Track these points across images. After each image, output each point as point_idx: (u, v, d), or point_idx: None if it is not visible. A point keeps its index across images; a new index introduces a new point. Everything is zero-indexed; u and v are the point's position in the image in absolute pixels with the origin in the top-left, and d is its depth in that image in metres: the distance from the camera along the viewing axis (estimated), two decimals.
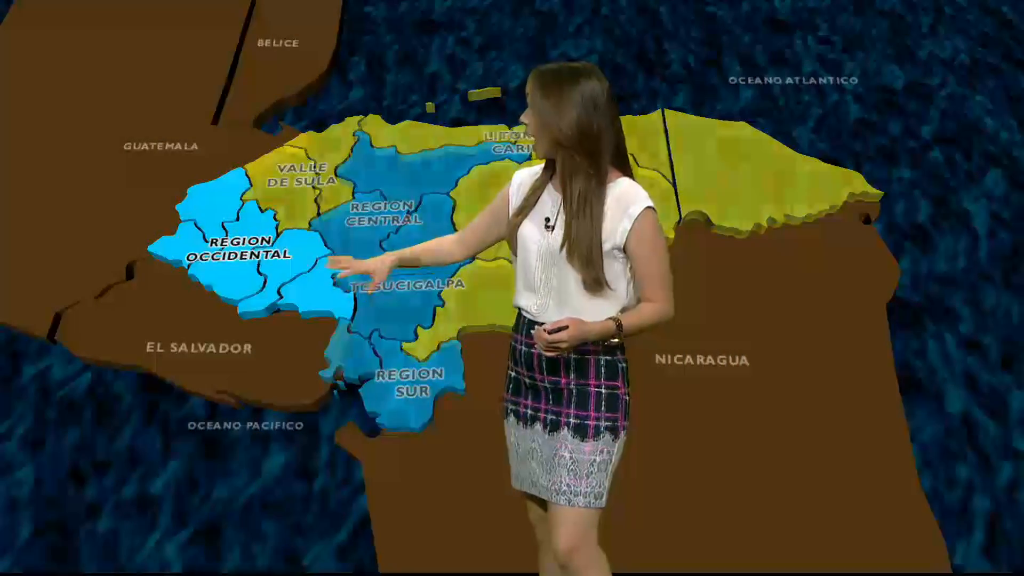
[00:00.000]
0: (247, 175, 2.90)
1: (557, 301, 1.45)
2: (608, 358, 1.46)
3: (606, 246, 1.41)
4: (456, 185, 2.88)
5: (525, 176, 1.50)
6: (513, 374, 1.53)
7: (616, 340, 1.43)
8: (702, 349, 2.38)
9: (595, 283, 1.41)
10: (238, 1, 3.50)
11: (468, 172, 2.92)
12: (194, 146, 2.96)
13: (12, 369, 2.43)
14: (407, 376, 2.37)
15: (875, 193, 2.86)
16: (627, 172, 1.46)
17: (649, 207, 1.42)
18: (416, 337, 2.48)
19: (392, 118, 3.11)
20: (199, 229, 2.75)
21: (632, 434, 1.54)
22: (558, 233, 1.43)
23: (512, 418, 1.54)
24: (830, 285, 2.56)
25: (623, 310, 1.46)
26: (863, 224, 2.78)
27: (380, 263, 1.54)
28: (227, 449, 2.25)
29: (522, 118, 1.44)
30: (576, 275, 1.42)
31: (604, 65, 3.33)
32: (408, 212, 2.78)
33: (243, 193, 2.85)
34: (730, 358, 2.38)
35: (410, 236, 2.76)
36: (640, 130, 3.00)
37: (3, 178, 2.90)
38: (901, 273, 2.65)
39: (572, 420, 1.45)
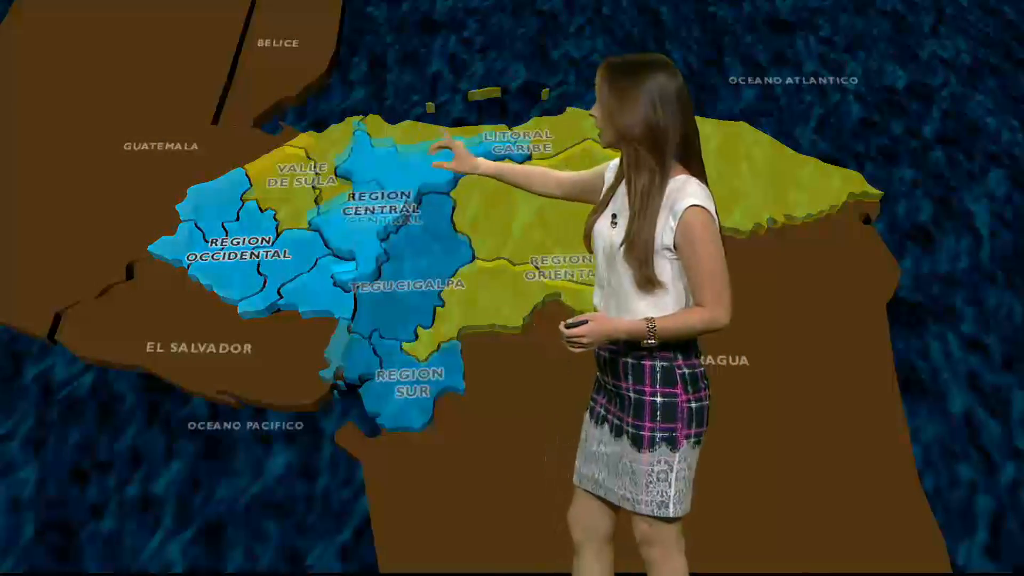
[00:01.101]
0: (247, 175, 2.92)
1: (616, 299, 1.45)
2: (664, 364, 1.43)
3: (655, 244, 1.40)
4: (456, 185, 2.91)
5: (615, 167, 1.51)
6: (597, 372, 1.55)
7: (653, 342, 1.40)
8: (702, 349, 2.41)
9: (646, 282, 1.40)
10: (238, 1, 3.53)
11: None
12: (194, 146, 2.99)
13: (14, 369, 2.46)
14: (407, 376, 2.40)
15: (875, 193, 2.90)
16: (695, 170, 1.43)
17: (696, 205, 1.38)
18: (416, 337, 2.51)
19: (394, 118, 3.13)
20: (199, 229, 2.78)
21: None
22: (620, 229, 1.44)
23: (588, 414, 1.56)
24: (830, 285, 2.59)
25: None
26: (863, 224, 2.81)
27: (471, 159, 1.57)
28: (229, 449, 2.28)
29: (591, 111, 1.45)
30: (631, 273, 1.42)
31: None
32: (407, 205, 2.79)
33: (243, 193, 2.88)
34: (730, 358, 2.41)
35: (411, 234, 2.79)
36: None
37: (4, 178, 2.93)
38: (901, 273, 2.68)
39: (630, 429, 1.46)
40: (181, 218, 2.80)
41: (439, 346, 2.49)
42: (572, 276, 2.65)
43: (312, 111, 3.21)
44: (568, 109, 3.13)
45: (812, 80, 3.34)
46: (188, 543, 2.08)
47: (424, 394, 2.37)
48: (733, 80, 3.32)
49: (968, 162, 3.08)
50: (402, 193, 2.83)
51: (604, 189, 1.51)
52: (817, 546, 2.05)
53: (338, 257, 2.71)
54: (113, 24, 3.41)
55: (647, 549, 1.50)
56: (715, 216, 1.42)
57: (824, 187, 2.89)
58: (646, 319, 1.41)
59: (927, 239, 2.83)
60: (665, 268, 1.42)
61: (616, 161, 1.51)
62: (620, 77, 1.40)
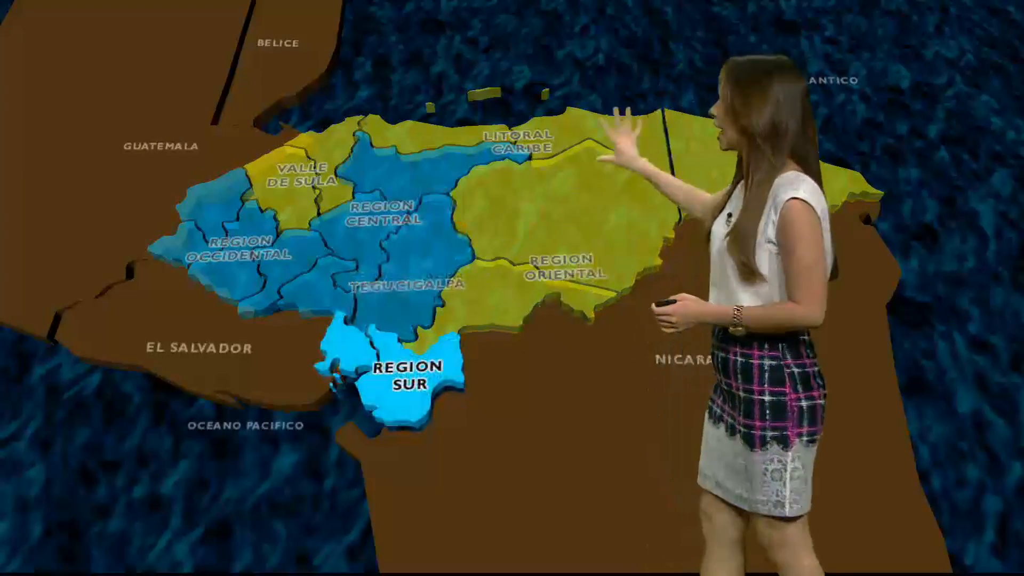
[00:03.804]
0: (247, 175, 3.00)
1: (725, 292, 1.51)
2: (772, 363, 1.47)
3: (759, 237, 1.45)
4: (456, 185, 2.99)
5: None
6: (715, 372, 1.60)
7: (740, 329, 1.46)
8: (702, 349, 2.47)
9: (748, 272, 1.45)
10: (238, 1, 3.61)
11: (468, 172, 3.02)
12: (194, 146, 3.07)
13: (21, 369, 2.51)
14: (404, 369, 2.46)
15: (875, 193, 2.97)
16: (811, 169, 1.47)
17: (795, 198, 1.41)
18: (416, 337, 2.58)
19: (398, 118, 3.20)
20: (199, 229, 2.85)
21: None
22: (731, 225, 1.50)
23: (707, 414, 1.62)
24: (830, 285, 2.65)
25: None
26: (863, 224, 2.89)
27: (633, 156, 1.67)
28: (237, 449, 2.33)
29: (712, 110, 1.51)
30: (734, 264, 1.47)
31: (610, 64, 3.43)
32: (408, 212, 2.89)
33: (243, 193, 2.96)
34: None
35: (411, 235, 2.87)
36: (640, 130, 3.11)
37: (4, 178, 3.00)
38: (901, 273, 2.76)
39: (742, 428, 1.51)
40: (181, 218, 2.87)
41: (438, 338, 2.55)
42: (572, 276, 2.73)
43: (317, 111, 3.28)
44: (568, 109, 3.20)
45: (817, 80, 3.41)
46: (196, 543, 2.13)
47: (422, 387, 2.43)
48: None
49: (973, 162, 3.15)
50: (404, 203, 2.90)
51: (724, 195, 1.58)
52: (817, 546, 2.09)
53: (339, 258, 2.78)
54: (113, 24, 3.48)
55: (773, 552, 1.54)
56: (819, 213, 1.44)
57: (827, 187, 2.97)
58: (734, 306, 1.46)
59: (932, 239, 2.90)
60: (768, 261, 1.46)
61: None
62: (747, 76, 1.46)
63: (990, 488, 2.27)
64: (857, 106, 3.34)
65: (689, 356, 2.49)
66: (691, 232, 2.86)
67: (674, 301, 1.47)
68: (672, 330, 1.49)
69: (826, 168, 3.06)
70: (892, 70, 3.46)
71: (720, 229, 1.54)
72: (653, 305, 1.48)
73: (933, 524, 2.16)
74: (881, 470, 2.24)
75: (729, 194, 1.57)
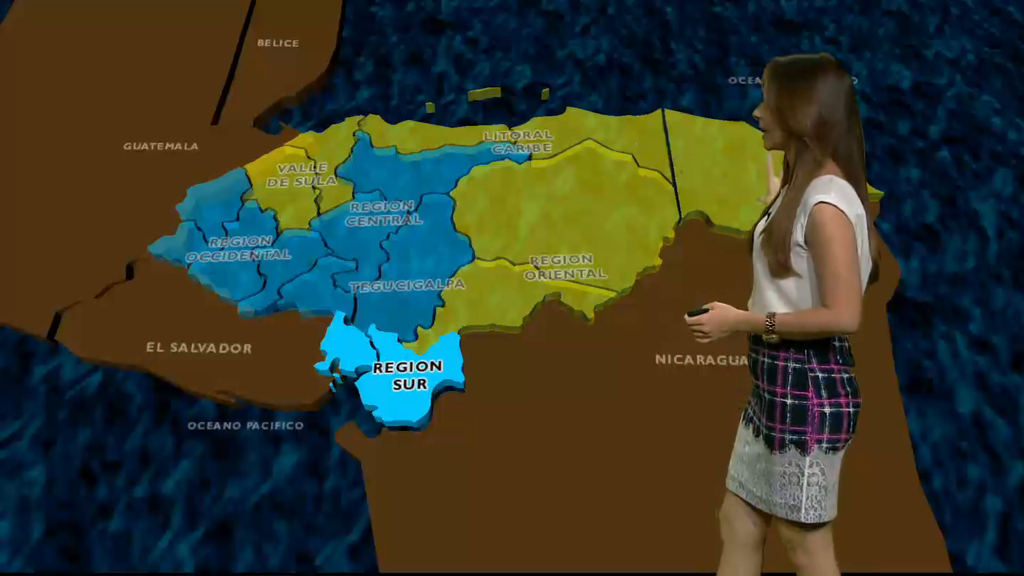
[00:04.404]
0: (247, 175, 3.02)
1: (757, 293, 1.51)
2: (796, 366, 1.45)
3: (790, 238, 1.43)
4: (456, 185, 3.01)
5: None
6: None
7: (773, 337, 1.45)
8: (702, 349, 2.50)
9: (779, 268, 1.44)
10: (238, 1, 3.64)
11: (468, 172, 3.04)
12: (194, 146, 3.09)
13: (22, 369, 2.53)
14: (405, 368, 2.48)
15: (875, 193, 2.99)
16: (852, 171, 1.44)
17: (823, 202, 1.39)
18: (416, 337, 2.60)
19: (399, 118, 3.22)
20: (199, 229, 2.87)
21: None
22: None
23: (742, 415, 1.62)
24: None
25: None
26: None
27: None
28: (238, 449, 2.35)
29: (756, 112, 1.50)
30: (766, 261, 1.46)
31: (611, 64, 3.45)
32: (408, 212, 2.91)
33: (243, 193, 2.98)
34: (730, 358, 2.50)
35: (411, 235, 2.89)
36: (640, 130, 3.14)
37: (4, 178, 3.02)
38: (901, 272, 2.78)
39: (764, 430, 1.50)
40: (181, 218, 2.89)
41: (438, 338, 2.57)
42: (572, 276, 2.75)
43: (317, 111, 3.30)
44: (569, 109, 3.22)
45: None
46: (198, 543, 2.15)
47: (422, 387, 2.45)
48: (740, 80, 3.42)
49: (974, 162, 3.17)
50: (404, 203, 2.92)
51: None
52: None
53: (339, 258, 2.80)
54: (113, 24, 3.50)
55: (791, 554, 1.54)
56: (851, 218, 1.41)
57: None
58: (768, 313, 1.45)
59: (934, 239, 2.92)
60: (798, 264, 1.44)
61: None
62: (791, 76, 1.45)
63: (991, 488, 2.29)
64: (858, 106, 3.36)
65: (689, 356, 2.51)
66: (691, 232, 2.88)
67: (706, 310, 1.46)
68: (706, 340, 1.48)
69: None
70: (893, 70, 3.48)
71: (760, 228, 1.53)
72: (686, 315, 1.47)
73: (933, 524, 2.19)
74: (881, 470, 2.26)
75: (776, 196, 1.56)
